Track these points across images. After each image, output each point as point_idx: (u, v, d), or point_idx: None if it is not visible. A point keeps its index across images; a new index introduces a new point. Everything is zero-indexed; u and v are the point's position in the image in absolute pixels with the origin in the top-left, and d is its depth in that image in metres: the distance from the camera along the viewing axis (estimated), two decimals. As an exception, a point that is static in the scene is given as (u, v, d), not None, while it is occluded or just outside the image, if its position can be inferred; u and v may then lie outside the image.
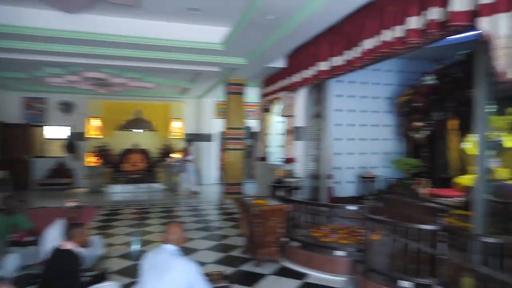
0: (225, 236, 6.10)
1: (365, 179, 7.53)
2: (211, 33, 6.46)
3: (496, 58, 3.10)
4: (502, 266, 2.84)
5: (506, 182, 4.94)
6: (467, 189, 5.43)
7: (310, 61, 6.06)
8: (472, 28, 3.29)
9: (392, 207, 6.31)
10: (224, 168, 9.84)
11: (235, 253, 5.18)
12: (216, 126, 12.56)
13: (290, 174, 7.21)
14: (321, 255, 4.42)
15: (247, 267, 4.59)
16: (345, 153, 7.67)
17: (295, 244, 4.79)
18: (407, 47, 4.05)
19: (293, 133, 7.36)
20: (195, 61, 7.26)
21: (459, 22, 3.37)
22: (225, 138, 9.60)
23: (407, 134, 7.46)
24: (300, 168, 7.43)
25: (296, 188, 6.75)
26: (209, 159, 12.70)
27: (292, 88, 6.97)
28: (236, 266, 4.63)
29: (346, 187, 7.62)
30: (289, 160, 7.34)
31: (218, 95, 11.33)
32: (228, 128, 9.19)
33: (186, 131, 12.85)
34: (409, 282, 3.27)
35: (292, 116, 7.33)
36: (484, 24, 3.17)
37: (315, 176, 7.44)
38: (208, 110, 12.78)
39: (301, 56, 6.42)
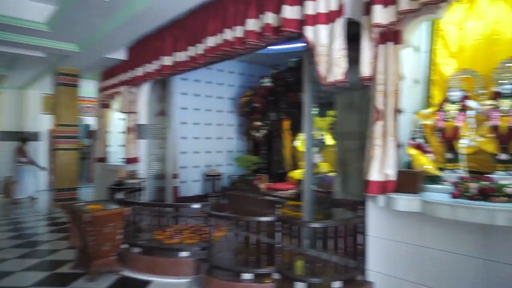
0: (52, 251, 5.21)
1: (210, 177, 7.64)
2: (33, 10, 5.43)
3: (318, 64, 3.49)
4: (325, 247, 3.20)
5: (327, 174, 5.71)
6: (298, 182, 6.06)
7: (153, 55, 5.75)
8: (301, 35, 3.63)
9: (236, 202, 6.56)
10: (54, 171, 8.49)
11: (64, 269, 4.45)
12: (44, 122, 10.78)
13: (132, 175, 6.71)
14: (165, 258, 4.20)
15: (78, 284, 3.98)
16: (190, 151, 7.62)
17: (137, 250, 4.42)
18: (247, 48, 4.22)
19: (135, 131, 6.87)
20: (11, 42, 5.99)
21: (289, 28, 3.68)
22: (55, 136, 8.29)
23: (248, 133, 7.92)
24: (144, 169, 6.99)
25: (139, 190, 6.32)
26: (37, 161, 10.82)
27: (134, 82, 6.50)
28: (65, 285, 3.97)
29: (192, 186, 7.58)
30: (131, 160, 6.82)
31: (47, 87, 9.73)
32: (58, 125, 7.97)
33: (2, 128, 10.61)
34: (250, 274, 3.38)
35: (134, 112, 6.83)
36: (309, 32, 3.54)
37: (160, 176, 7.13)
38: (34, 104, 10.87)
39: (144, 49, 6.04)
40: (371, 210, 3.35)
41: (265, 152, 7.66)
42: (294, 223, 3.48)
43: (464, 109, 3.34)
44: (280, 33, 3.81)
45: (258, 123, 7.34)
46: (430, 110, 3.60)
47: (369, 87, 3.43)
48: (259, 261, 3.40)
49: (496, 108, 3.18)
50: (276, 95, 6.85)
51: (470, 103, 3.32)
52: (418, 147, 3.26)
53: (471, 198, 2.63)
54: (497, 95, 3.22)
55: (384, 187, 3.05)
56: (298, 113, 7.20)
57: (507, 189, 2.53)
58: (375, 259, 3.32)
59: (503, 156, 3.09)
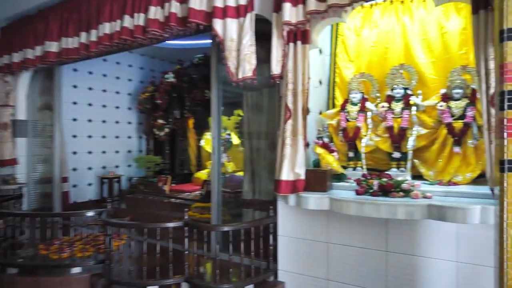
0: None
1: (107, 179, 6.94)
2: None
3: (227, 59, 3.35)
4: (236, 250, 3.07)
5: (233, 174, 5.63)
6: (204, 183, 5.86)
7: (35, 39, 4.93)
8: (210, 29, 3.44)
9: (137, 207, 6.05)
10: None
11: None
12: None
13: (8, 180, 5.68)
14: (52, 277, 3.59)
15: None
16: (83, 152, 6.81)
17: (14, 271, 3.70)
18: (149, 38, 3.86)
19: (11, 127, 5.83)
20: None
21: (197, 20, 3.46)
22: None
23: (149, 132, 7.41)
24: (24, 172, 5.99)
25: (18, 197, 5.37)
26: None
27: (10, 70, 5.50)
28: None
29: (86, 191, 6.79)
30: (6, 162, 5.77)
31: None
32: None
33: None
34: (156, 286, 3.08)
35: (11, 106, 5.80)
36: (217, 26, 3.37)
37: (45, 180, 6.19)
38: None
39: (24, 30, 5.14)
40: (282, 209, 3.34)
41: (168, 152, 7.27)
42: (203, 227, 3.27)
43: (363, 110, 3.56)
44: (186, 24, 3.56)
45: (161, 121, 6.91)
46: (333, 110, 3.76)
47: (279, 85, 3.42)
48: (166, 271, 3.11)
49: (390, 110, 3.45)
50: (180, 92, 6.53)
51: (368, 105, 3.55)
52: (324, 146, 3.35)
53: (374, 194, 2.78)
54: (390, 98, 3.50)
55: (294, 187, 3.05)
56: (203, 111, 7.04)
57: (404, 185, 2.74)
58: (286, 259, 3.32)
59: (397, 155, 3.36)
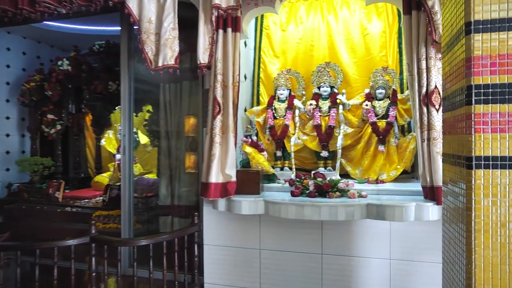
0: None
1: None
2: None
3: (144, 44, 2.88)
4: (157, 264, 2.63)
5: (142, 176, 5.05)
6: (106, 188, 5.13)
7: None
8: (122, 7, 2.92)
9: (21, 219, 5.01)
10: None
11: None
12: None
13: None
14: None
15: None
16: None
17: None
18: (39, 10, 3.13)
19: None
20: None
21: (107, -5, 2.91)
22: None
23: (36, 129, 6.25)
24: None
25: None
26: None
27: None
28: None
29: None
30: None
31: None
32: None
33: None
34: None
35: None
36: (132, 3, 2.88)
37: None
38: None
39: None
40: (208, 215, 3.00)
41: (61, 153, 6.23)
42: (117, 243, 2.73)
43: (291, 107, 3.43)
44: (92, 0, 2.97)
45: (51, 117, 5.87)
46: (260, 107, 3.55)
47: (204, 78, 3.08)
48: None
49: (317, 108, 3.39)
50: (77, 83, 5.62)
51: (296, 102, 3.43)
52: (254, 145, 3.12)
53: (311, 195, 2.64)
54: (317, 96, 3.43)
55: (225, 190, 2.74)
56: (104, 106, 6.23)
57: (340, 185, 2.65)
58: (213, 271, 2.98)
59: (325, 153, 3.31)
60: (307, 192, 2.67)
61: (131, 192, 3.56)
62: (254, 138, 3.19)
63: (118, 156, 5.52)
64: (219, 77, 2.77)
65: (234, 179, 2.76)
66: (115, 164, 5.87)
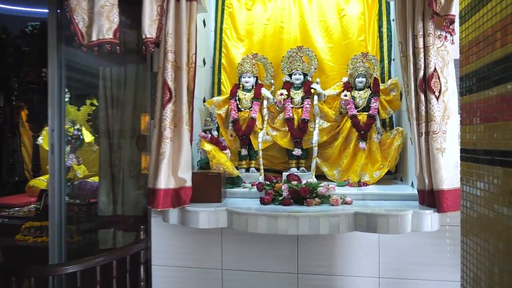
0: None
1: None
2: None
3: (74, 12, 2.25)
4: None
5: (86, 180, 4.35)
6: (42, 194, 4.37)
7: None
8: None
9: None
10: None
11: None
12: None
13: None
14: None
15: None
16: None
17: None
18: None
19: None
20: None
21: None
22: None
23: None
24: None
25: None
26: None
27: None
28: None
29: None
30: None
31: None
32: None
33: None
34: None
35: None
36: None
37: None
38: None
39: None
40: (158, 229, 2.42)
41: (-12, 153, 5.34)
42: (33, 272, 2.05)
43: (258, 98, 2.92)
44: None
45: (-25, 111, 4.98)
46: (221, 97, 3.02)
47: (153, 58, 2.51)
48: None
49: (289, 99, 2.91)
50: (4, 70, 4.77)
51: (264, 91, 2.93)
52: (215, 141, 2.58)
53: (285, 203, 2.14)
54: (288, 86, 2.95)
55: (178, 198, 2.18)
56: (42, 99, 5.40)
57: (320, 190, 2.17)
58: (163, 297, 2.41)
59: (298, 152, 2.83)
60: (280, 199, 2.17)
61: (62, 199, 2.89)
62: (215, 133, 2.64)
63: (58, 157, 4.77)
64: (170, 56, 2.20)
65: (189, 183, 2.20)
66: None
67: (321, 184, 2.23)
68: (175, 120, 2.22)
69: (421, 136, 1.99)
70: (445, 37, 2.00)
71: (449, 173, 1.94)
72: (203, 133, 2.60)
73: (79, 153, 4.93)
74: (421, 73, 1.98)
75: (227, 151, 2.62)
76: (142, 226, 2.40)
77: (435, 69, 1.96)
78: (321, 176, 2.86)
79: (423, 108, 1.98)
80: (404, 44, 2.06)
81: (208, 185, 2.25)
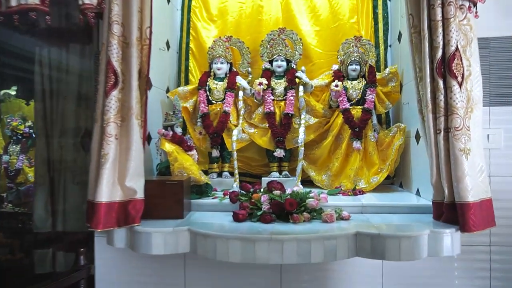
0: None
1: None
2: None
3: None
4: None
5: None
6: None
7: None
8: None
9: None
10: None
11: None
12: None
13: None
14: None
15: None
16: None
17: None
18: None
19: None
20: None
21: None
22: None
23: None
24: None
25: None
26: None
27: None
28: None
29: None
30: None
31: None
32: None
33: None
34: None
35: None
36: None
37: None
38: None
39: None
40: (102, 253, 1.89)
41: None
42: None
43: (233, 88, 2.43)
44: None
45: None
46: (188, 87, 2.51)
47: (98, 34, 1.99)
48: None
49: (269, 90, 2.43)
50: None
51: (240, 81, 2.45)
52: (178, 140, 2.07)
53: (265, 219, 1.65)
54: (268, 74, 2.48)
55: (124, 214, 1.66)
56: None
57: (310, 202, 1.70)
58: None
59: (280, 153, 2.36)
60: (259, 214, 1.68)
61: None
62: (178, 130, 2.13)
63: (5, 158, 4.15)
64: (116, 29, 1.68)
65: (140, 195, 1.69)
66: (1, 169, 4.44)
67: (311, 194, 1.77)
68: (123, 112, 1.69)
69: (438, 133, 1.56)
70: (469, 7, 1.59)
71: (475, 181, 1.52)
72: (164, 130, 2.09)
73: (31, 153, 4.31)
74: (439, 53, 1.55)
75: (193, 152, 2.12)
76: (82, 249, 1.87)
77: (457, 47, 1.53)
78: (307, 182, 2.42)
79: (441, 97, 1.55)
80: (417, 17, 1.62)
81: (167, 196, 1.74)
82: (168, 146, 2.02)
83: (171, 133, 2.08)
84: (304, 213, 1.68)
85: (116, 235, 1.69)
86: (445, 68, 1.54)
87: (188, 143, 2.11)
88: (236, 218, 1.68)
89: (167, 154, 2.02)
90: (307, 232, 1.50)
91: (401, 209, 1.82)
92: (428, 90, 1.58)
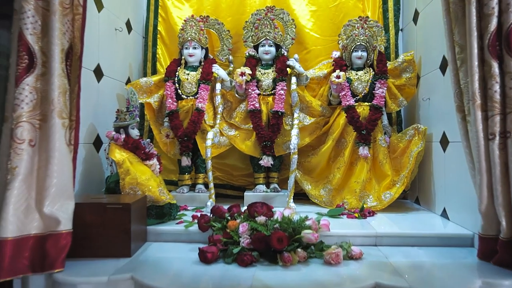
0: None
1: None
2: None
3: None
4: None
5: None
6: None
7: None
8: None
9: None
10: None
11: None
12: None
13: None
14: None
15: None
16: None
17: None
18: None
19: None
20: None
21: None
22: None
23: None
24: None
25: None
26: None
27: None
28: None
29: None
30: None
31: None
32: None
33: None
34: None
35: None
36: None
37: None
38: None
39: None
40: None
41: None
42: None
43: (208, 79, 1.94)
44: None
45: None
46: (153, 79, 2.00)
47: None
48: None
49: (254, 81, 1.94)
50: None
51: (217, 70, 1.95)
52: (132, 146, 1.57)
53: (243, 261, 1.16)
54: (253, 62, 1.99)
55: (41, 254, 1.16)
56: None
57: (306, 235, 1.21)
58: None
59: (267, 161, 1.87)
60: (236, 251, 1.19)
61: None
62: (134, 133, 1.63)
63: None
64: (32, -9, 1.17)
65: (66, 226, 1.18)
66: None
67: (308, 223, 1.28)
68: (43, 108, 1.19)
69: (491, 139, 1.09)
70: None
71: (546, 209, 1.05)
72: (114, 133, 1.59)
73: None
74: (493, 23, 1.08)
75: (153, 161, 1.62)
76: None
77: (518, 16, 1.06)
78: (301, 196, 1.95)
79: (496, 87, 1.08)
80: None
81: (108, 225, 1.25)
82: (119, 155, 1.52)
83: (123, 136, 1.58)
84: (299, 250, 1.19)
85: (31, 285, 1.18)
86: (503, 44, 1.07)
87: (147, 150, 1.62)
88: (204, 258, 1.19)
89: (117, 165, 1.52)
90: (304, 284, 1.02)
91: (429, 241, 1.35)
92: (476, 77, 1.10)
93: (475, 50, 1.10)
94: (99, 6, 1.72)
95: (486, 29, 1.09)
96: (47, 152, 1.18)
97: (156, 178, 1.58)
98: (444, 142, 1.59)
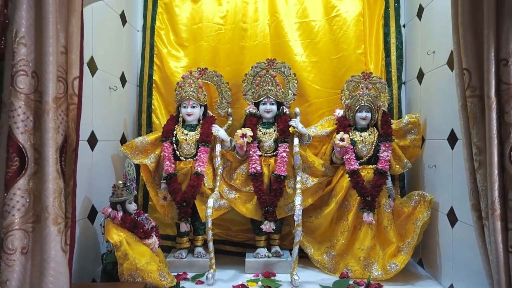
0: None
1: None
2: None
3: None
4: None
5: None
6: None
7: None
8: None
9: None
10: None
11: None
12: None
13: None
14: None
15: None
16: None
17: None
18: None
19: None
20: None
21: None
22: None
23: None
24: None
25: None
26: None
27: None
28: None
29: None
30: None
31: None
32: None
33: None
34: None
35: None
36: None
37: None
38: None
39: None
40: None
41: None
42: None
43: (207, 141, 1.86)
44: None
45: None
46: (149, 138, 1.91)
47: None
48: None
49: (256, 143, 1.87)
50: None
51: (217, 131, 1.88)
52: (130, 225, 1.49)
53: None
54: (253, 120, 1.92)
55: None
56: None
57: None
58: None
59: (268, 226, 1.81)
60: None
61: None
62: (132, 207, 1.55)
63: None
64: (23, 83, 1.08)
65: None
66: None
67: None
68: (35, 208, 1.11)
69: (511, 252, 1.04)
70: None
71: None
72: (110, 209, 1.51)
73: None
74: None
75: (153, 240, 1.54)
76: None
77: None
78: (302, 258, 1.89)
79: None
80: (476, 75, 1.11)
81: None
82: (116, 235, 1.44)
83: (121, 214, 1.50)
84: None
85: None
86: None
87: (146, 227, 1.54)
88: None
89: (114, 248, 1.43)
90: None
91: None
92: (496, 185, 1.06)
93: (495, 158, 1.06)
94: (93, 69, 1.63)
95: (507, 138, 1.05)
96: (41, 255, 1.09)
97: (156, 258, 1.51)
98: (452, 218, 1.55)
